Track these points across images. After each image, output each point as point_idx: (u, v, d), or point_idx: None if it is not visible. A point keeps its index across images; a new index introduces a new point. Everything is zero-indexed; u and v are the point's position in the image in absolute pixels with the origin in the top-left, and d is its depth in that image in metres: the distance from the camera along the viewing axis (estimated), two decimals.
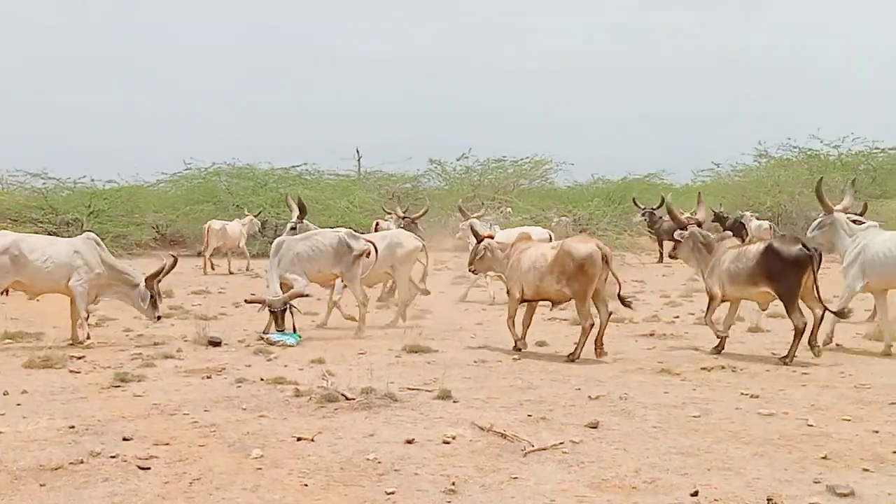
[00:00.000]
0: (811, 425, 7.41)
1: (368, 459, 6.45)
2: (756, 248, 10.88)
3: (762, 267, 10.65)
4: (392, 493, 5.75)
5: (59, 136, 58.95)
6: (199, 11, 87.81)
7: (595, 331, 10.80)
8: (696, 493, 5.67)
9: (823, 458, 6.48)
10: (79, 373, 9.81)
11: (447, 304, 16.13)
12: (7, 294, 13.53)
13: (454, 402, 8.33)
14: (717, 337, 11.12)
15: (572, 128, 71.07)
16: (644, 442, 6.94)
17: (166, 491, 5.78)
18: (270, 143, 60.20)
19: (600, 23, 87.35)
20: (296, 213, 15.23)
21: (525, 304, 11.48)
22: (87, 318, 12.00)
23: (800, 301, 10.63)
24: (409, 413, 7.88)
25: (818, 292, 10.59)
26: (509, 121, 67.57)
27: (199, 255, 25.01)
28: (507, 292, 11.65)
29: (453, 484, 5.89)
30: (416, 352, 11.03)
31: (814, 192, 12.84)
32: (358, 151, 39.86)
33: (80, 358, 10.61)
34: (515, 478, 6.04)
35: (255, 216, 26.17)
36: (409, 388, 8.86)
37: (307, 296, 12.96)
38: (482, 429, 7.25)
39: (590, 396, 8.52)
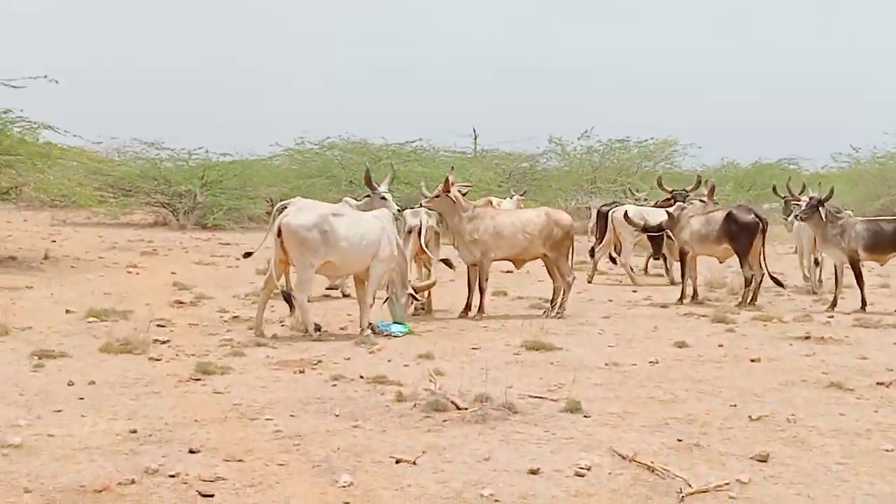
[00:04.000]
0: None
1: (483, 496, 5.16)
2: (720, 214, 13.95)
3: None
4: None
5: (176, 109, 58.85)
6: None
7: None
8: None
9: None
10: (160, 360, 8.76)
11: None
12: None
13: (585, 416, 6.97)
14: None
15: (699, 109, 68.24)
16: (832, 485, 5.48)
17: None
18: (387, 116, 59.20)
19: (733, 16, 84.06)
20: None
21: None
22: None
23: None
24: (533, 430, 6.54)
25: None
26: (632, 103, 65.18)
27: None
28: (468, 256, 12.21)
29: None
30: (536, 349, 9.68)
31: None
32: (475, 130, 38.54)
33: (164, 342, 9.58)
34: None
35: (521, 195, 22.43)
36: (531, 396, 7.53)
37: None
38: (623, 457, 5.88)
39: (750, 417, 7.04)
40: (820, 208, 13.25)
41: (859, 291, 13.34)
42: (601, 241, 17.65)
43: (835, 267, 13.75)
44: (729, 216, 13.88)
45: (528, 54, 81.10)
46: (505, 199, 20.14)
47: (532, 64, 76.87)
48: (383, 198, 12.22)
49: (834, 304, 13.37)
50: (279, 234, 10.11)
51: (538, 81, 74.57)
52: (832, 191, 13.72)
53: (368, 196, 12.51)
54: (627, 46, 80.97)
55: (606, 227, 17.29)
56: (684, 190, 16.45)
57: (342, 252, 10.22)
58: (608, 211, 17.60)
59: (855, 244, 13.21)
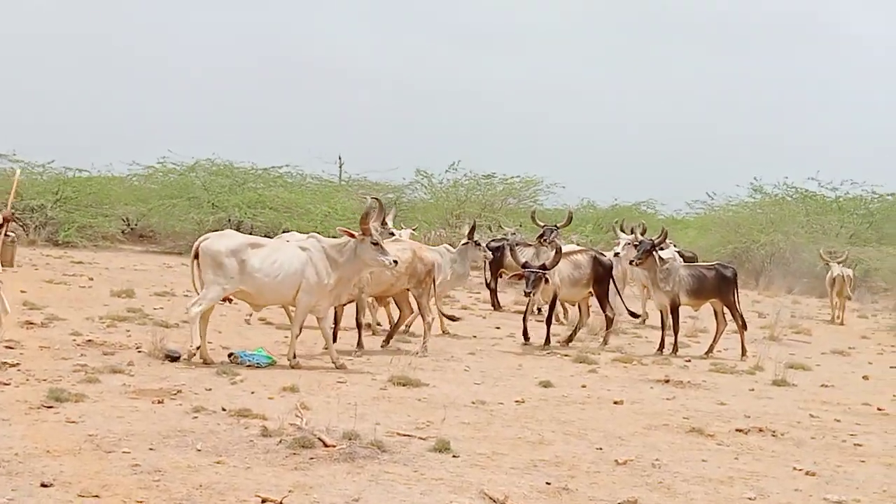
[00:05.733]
0: None
1: None
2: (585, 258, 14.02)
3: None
4: None
5: (32, 117, 56.62)
6: (196, 12, 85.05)
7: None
8: None
9: None
10: (8, 384, 8.30)
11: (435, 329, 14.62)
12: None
13: (454, 456, 6.89)
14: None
15: (561, 150, 69.45)
16: None
17: None
18: (252, 144, 58.25)
19: (600, 46, 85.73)
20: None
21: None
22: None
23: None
24: (402, 470, 6.42)
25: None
26: (497, 140, 65.94)
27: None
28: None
29: None
30: (404, 384, 9.57)
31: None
32: (340, 158, 38.40)
33: (13, 365, 9.10)
34: None
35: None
36: (400, 434, 7.41)
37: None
38: (494, 500, 5.82)
39: (616, 461, 7.08)
40: (654, 252, 13.39)
41: (672, 335, 13.62)
42: (494, 276, 18.00)
43: (660, 311, 13.89)
44: (595, 260, 14.03)
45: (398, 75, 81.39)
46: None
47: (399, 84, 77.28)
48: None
49: (661, 345, 13.50)
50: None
51: (404, 102, 74.97)
52: (665, 233, 13.98)
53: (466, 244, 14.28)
54: (492, 74, 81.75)
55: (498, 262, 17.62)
56: (555, 225, 16.63)
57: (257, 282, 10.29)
58: (497, 247, 17.81)
59: (678, 289, 13.53)
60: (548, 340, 13.46)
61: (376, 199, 13.00)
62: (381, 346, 12.27)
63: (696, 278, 13.63)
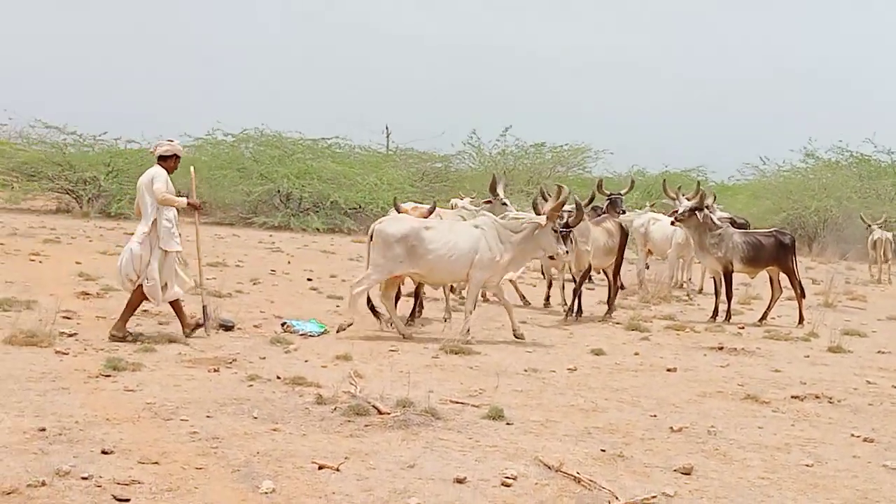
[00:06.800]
0: None
1: None
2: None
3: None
4: None
5: (84, 91, 57.26)
6: None
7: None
8: None
9: None
10: (66, 354, 8.42)
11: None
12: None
13: (508, 423, 6.89)
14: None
15: (610, 116, 68.96)
16: (757, 501, 5.49)
17: None
18: (301, 116, 58.57)
19: (651, 10, 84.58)
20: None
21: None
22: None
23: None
24: (456, 437, 6.44)
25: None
26: (547, 111, 65.60)
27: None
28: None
29: None
30: (456, 353, 9.59)
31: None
32: (387, 128, 38.43)
33: (71, 335, 9.23)
34: None
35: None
36: (453, 402, 7.42)
37: None
38: (549, 467, 5.80)
39: (671, 428, 7.04)
40: (697, 213, 13.21)
41: (726, 303, 13.43)
42: None
43: (713, 278, 13.82)
44: (622, 227, 13.77)
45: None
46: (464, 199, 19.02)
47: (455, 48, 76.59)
48: (504, 203, 13.30)
49: (715, 313, 13.40)
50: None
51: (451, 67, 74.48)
52: (701, 192, 13.56)
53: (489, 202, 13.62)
54: (541, 39, 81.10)
55: None
56: (619, 193, 16.38)
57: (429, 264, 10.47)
58: None
59: (731, 255, 13.34)
60: (575, 310, 12.98)
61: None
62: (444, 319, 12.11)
63: (751, 245, 13.42)
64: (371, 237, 10.49)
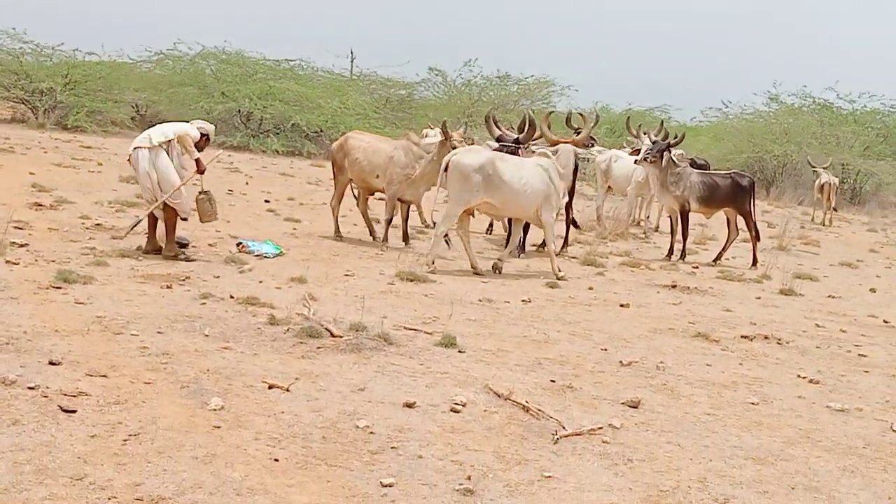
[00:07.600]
0: None
1: (359, 427, 5.03)
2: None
3: None
4: (390, 485, 4.34)
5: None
6: None
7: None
8: None
9: None
10: (17, 264, 8.31)
11: None
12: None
13: (460, 351, 6.91)
14: None
15: (576, 51, 68.53)
16: (701, 436, 5.55)
17: (89, 451, 4.34)
18: (263, 35, 57.52)
19: None
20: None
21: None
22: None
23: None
24: (408, 362, 6.45)
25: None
26: (513, 38, 65.02)
27: None
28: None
29: (469, 478, 4.49)
30: (411, 280, 9.59)
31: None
32: (352, 52, 37.87)
33: (22, 246, 9.10)
34: (548, 476, 4.64)
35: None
36: (406, 328, 7.43)
37: None
38: (498, 395, 5.84)
39: (621, 362, 7.11)
40: (666, 153, 13.26)
41: (681, 241, 13.49)
42: None
43: (670, 217, 13.89)
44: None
45: None
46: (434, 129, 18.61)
47: None
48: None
49: (670, 251, 13.52)
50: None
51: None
52: (682, 136, 13.64)
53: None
54: None
55: None
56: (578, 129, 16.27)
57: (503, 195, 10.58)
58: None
59: (688, 194, 13.41)
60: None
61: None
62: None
63: (708, 186, 13.46)
64: (446, 169, 10.50)
